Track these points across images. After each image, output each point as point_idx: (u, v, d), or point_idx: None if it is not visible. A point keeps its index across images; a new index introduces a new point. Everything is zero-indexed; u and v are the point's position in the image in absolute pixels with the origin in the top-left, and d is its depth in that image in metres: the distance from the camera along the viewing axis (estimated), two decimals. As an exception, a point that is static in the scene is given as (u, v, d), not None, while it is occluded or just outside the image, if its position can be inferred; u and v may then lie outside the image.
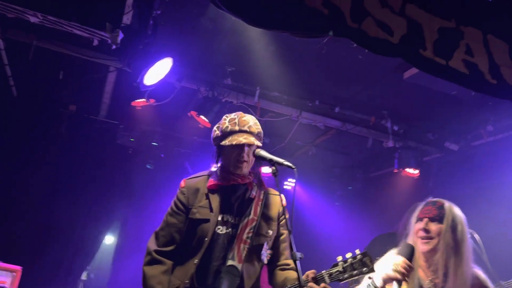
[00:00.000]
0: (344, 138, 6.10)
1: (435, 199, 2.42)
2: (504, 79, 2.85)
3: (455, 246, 2.25)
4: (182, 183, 2.59)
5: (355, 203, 7.26)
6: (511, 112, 4.72)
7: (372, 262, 2.13)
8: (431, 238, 2.26)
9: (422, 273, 2.28)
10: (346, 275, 2.17)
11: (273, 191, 2.69)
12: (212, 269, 2.38)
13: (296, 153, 6.91)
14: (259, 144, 2.51)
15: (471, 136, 5.41)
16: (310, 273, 2.27)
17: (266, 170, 7.09)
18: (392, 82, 4.65)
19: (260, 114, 5.23)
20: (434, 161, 5.97)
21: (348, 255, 2.21)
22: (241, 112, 2.61)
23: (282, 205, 2.62)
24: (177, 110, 5.67)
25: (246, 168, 2.53)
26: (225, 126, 2.51)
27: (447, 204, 2.37)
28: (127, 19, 3.40)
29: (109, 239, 7.01)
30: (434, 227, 2.27)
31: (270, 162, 2.41)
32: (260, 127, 2.57)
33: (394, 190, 6.13)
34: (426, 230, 2.27)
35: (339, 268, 2.18)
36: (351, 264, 2.16)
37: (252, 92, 5.02)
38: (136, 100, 4.90)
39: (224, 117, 2.61)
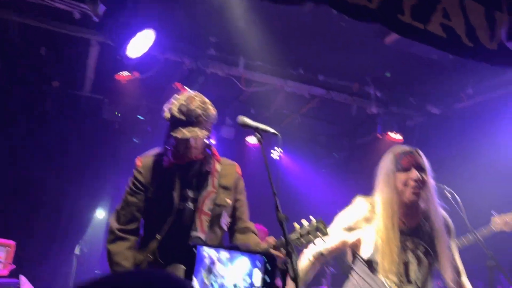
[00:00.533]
0: (329, 106, 6.18)
1: (408, 148, 2.49)
2: (480, 42, 2.92)
3: (432, 191, 2.40)
4: (138, 162, 2.61)
5: (341, 170, 7.41)
6: (490, 75, 4.83)
7: (326, 227, 2.28)
8: (421, 187, 2.35)
9: (401, 222, 2.39)
10: (303, 240, 2.30)
11: (228, 161, 2.77)
12: (174, 243, 2.46)
13: (282, 122, 6.98)
14: (207, 134, 2.51)
15: (452, 100, 5.51)
16: (271, 240, 2.39)
17: (252, 140, 7.18)
18: (374, 48, 4.70)
19: (245, 84, 5.27)
20: (416, 125, 6.10)
21: (305, 222, 2.35)
22: (192, 96, 2.56)
23: (238, 173, 2.73)
24: (162, 83, 5.66)
25: (195, 154, 2.56)
26: (173, 113, 2.48)
27: (420, 151, 2.48)
28: (107, -10, 3.38)
29: (100, 214, 7.09)
30: (422, 175, 2.36)
31: (255, 130, 2.47)
32: (211, 109, 2.55)
33: (378, 155, 6.23)
34: (418, 180, 2.34)
35: (297, 234, 2.31)
36: (308, 231, 2.30)
37: (236, 62, 5.04)
38: (120, 74, 4.89)
39: (176, 97, 2.58)
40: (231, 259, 0.88)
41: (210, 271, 0.92)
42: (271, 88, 5.49)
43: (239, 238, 2.65)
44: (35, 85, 5.83)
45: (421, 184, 2.34)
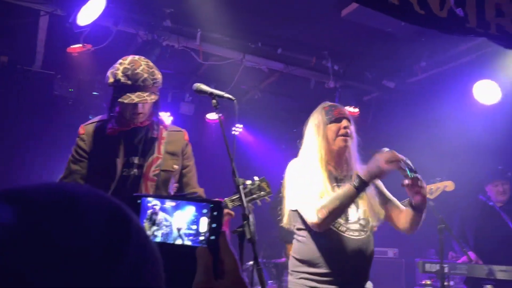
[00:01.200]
0: (288, 81, 6.20)
1: (332, 103, 2.68)
2: (431, 9, 2.98)
3: (355, 143, 2.58)
4: (81, 130, 2.58)
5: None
6: (441, 48, 4.97)
7: (269, 186, 2.34)
8: (349, 136, 2.50)
9: (332, 168, 2.53)
10: (246, 200, 2.34)
11: (175, 128, 2.77)
12: None
13: (242, 98, 6.95)
14: (155, 98, 2.48)
15: (406, 73, 5.66)
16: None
17: (211, 116, 7.14)
18: (331, 21, 4.72)
19: (203, 58, 5.19)
20: (372, 99, 6.23)
21: (248, 182, 2.39)
22: (135, 59, 2.53)
23: (185, 140, 2.73)
24: (117, 56, 5.41)
25: (143, 118, 2.53)
26: (118, 76, 2.44)
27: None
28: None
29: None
30: (351, 125, 2.52)
31: (210, 96, 2.47)
32: (157, 73, 2.53)
33: (336, 129, 6.39)
34: (348, 128, 2.49)
35: (239, 195, 2.34)
36: (250, 190, 2.35)
37: (193, 34, 4.94)
38: (72, 46, 4.70)
39: (119, 62, 2.54)
40: (176, 208, 0.87)
41: (153, 221, 0.90)
42: (230, 62, 5.44)
43: None
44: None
45: (350, 133, 2.49)
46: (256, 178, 2.40)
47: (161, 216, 0.88)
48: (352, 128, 2.53)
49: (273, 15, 4.77)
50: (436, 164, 4.74)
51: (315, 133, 2.55)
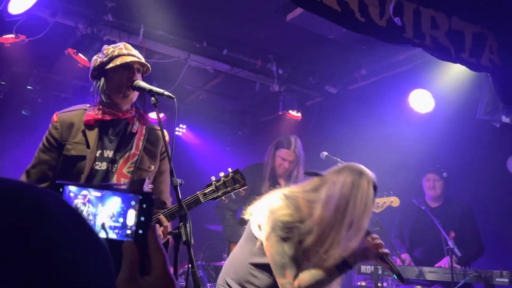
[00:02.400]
0: (234, 82, 6.19)
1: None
2: (371, 18, 3.08)
3: None
4: (55, 117, 2.44)
5: (245, 147, 7.51)
6: (380, 56, 5.16)
7: (244, 178, 2.29)
8: None
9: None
10: (219, 193, 2.30)
11: (156, 126, 2.65)
12: None
13: (187, 98, 6.86)
14: (149, 68, 2.50)
15: (348, 80, 5.83)
16: (162, 218, 2.34)
17: (153, 115, 7.02)
18: (276, 24, 4.76)
19: (146, 55, 5.04)
20: (315, 104, 6.36)
21: (221, 174, 2.34)
22: (123, 42, 2.54)
23: (165, 140, 2.65)
24: (54, 50, 5.24)
25: (134, 96, 2.47)
26: (110, 51, 2.42)
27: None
28: None
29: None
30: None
31: (150, 93, 2.39)
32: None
33: (279, 132, 6.44)
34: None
35: (212, 187, 2.30)
36: (224, 182, 2.30)
37: (136, 30, 4.79)
38: (3, 36, 4.41)
39: (105, 46, 2.52)
40: (101, 199, 0.81)
41: None
42: (175, 61, 5.34)
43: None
44: None
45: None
46: (230, 169, 2.33)
47: (85, 208, 0.82)
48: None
49: (220, 16, 4.75)
50: (374, 167, 4.90)
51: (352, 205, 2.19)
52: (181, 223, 2.14)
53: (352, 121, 5.81)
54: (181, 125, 7.40)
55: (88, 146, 2.37)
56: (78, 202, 0.80)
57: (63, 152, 2.36)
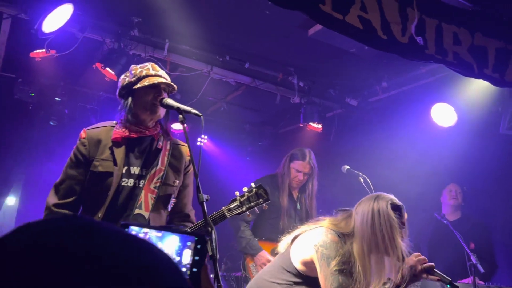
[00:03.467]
0: (254, 94, 6.26)
1: (400, 203, 2.50)
2: (394, 35, 3.12)
3: None
4: (83, 134, 2.52)
5: (265, 158, 7.56)
6: (402, 70, 5.18)
7: (267, 193, 2.35)
8: None
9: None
10: (244, 208, 2.36)
11: (180, 142, 2.74)
12: (117, 222, 2.39)
13: (208, 109, 6.96)
14: (175, 88, 2.57)
15: (368, 92, 5.84)
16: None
17: (176, 126, 7.13)
18: (298, 39, 4.83)
19: (170, 68, 5.17)
20: (335, 116, 6.39)
21: (245, 189, 2.40)
22: (150, 62, 2.63)
23: (189, 156, 2.69)
24: (81, 63, 5.40)
25: (161, 113, 2.55)
26: (138, 71, 2.51)
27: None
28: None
29: (11, 200, 6.63)
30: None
31: (178, 110, 2.46)
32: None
33: (299, 144, 6.47)
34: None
35: (237, 202, 2.36)
36: (248, 197, 2.35)
37: (161, 45, 4.92)
38: (35, 51, 4.59)
39: (133, 66, 2.60)
40: (161, 238, 0.88)
41: None
42: (197, 74, 5.45)
43: (176, 224, 2.62)
44: None
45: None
46: (252, 184, 2.40)
47: None
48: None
49: (243, 31, 4.83)
50: (394, 181, 4.90)
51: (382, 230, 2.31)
52: (207, 238, 2.20)
53: (372, 133, 5.81)
54: (202, 136, 7.49)
55: (115, 163, 2.44)
56: None
57: (91, 169, 2.44)
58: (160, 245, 0.89)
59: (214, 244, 2.18)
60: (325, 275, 2.28)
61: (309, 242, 2.40)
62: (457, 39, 3.50)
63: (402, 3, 3.21)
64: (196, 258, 0.87)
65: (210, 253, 2.14)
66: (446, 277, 2.25)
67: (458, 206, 4.64)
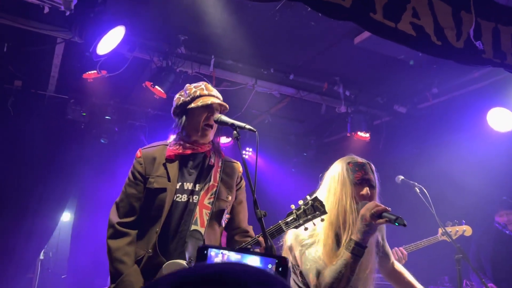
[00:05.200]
0: (299, 105, 6.23)
1: (360, 160, 2.42)
2: (448, 41, 3.01)
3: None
4: (139, 153, 2.61)
5: (311, 168, 7.48)
6: (453, 75, 5.00)
7: (323, 205, 2.30)
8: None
9: (341, 230, 2.31)
10: (301, 221, 2.31)
11: (230, 159, 2.79)
12: (173, 237, 2.43)
13: (253, 122, 6.98)
14: (227, 107, 2.62)
15: (418, 99, 5.67)
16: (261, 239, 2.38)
17: (223, 140, 7.20)
18: (343, 48, 4.77)
19: (215, 83, 5.23)
20: (384, 124, 6.23)
21: (300, 202, 2.36)
22: (204, 82, 2.69)
23: (240, 172, 2.74)
24: (130, 82, 5.56)
25: (212, 134, 2.60)
26: (192, 91, 2.58)
27: (372, 165, 2.43)
28: (75, -15, 3.28)
29: (66, 216, 6.88)
30: (372, 193, 2.31)
31: (232, 127, 2.48)
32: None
33: (346, 153, 6.34)
34: (367, 197, 2.29)
35: (293, 215, 2.32)
36: (304, 210, 2.31)
37: (207, 61, 5.00)
38: (87, 72, 4.76)
39: (187, 85, 2.67)
40: (241, 260, 0.87)
41: None
42: (242, 87, 5.49)
43: (239, 241, 2.61)
44: (-4, 84, 5.60)
45: (368, 200, 2.29)
46: (308, 197, 2.37)
47: None
48: (374, 195, 2.32)
49: (287, 42, 4.83)
50: (447, 190, 4.72)
51: (342, 191, 2.35)
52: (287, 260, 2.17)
53: (423, 141, 5.63)
54: (247, 148, 7.52)
55: (169, 179, 2.49)
56: (217, 260, 0.86)
57: (147, 186, 2.50)
58: None
59: None
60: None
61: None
62: (516, 40, 3.34)
63: (456, 7, 3.10)
64: None
65: (271, 270, 2.11)
66: (392, 215, 2.05)
67: None
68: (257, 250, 2.37)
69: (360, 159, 2.44)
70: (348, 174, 2.35)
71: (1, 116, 5.64)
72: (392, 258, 2.62)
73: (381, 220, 2.11)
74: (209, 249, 0.88)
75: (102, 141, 6.29)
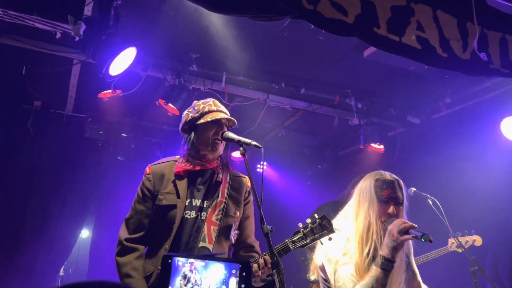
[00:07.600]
0: (311, 118, 6.26)
1: (389, 177, 2.41)
2: (454, 52, 3.01)
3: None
4: (147, 170, 2.64)
5: (325, 181, 7.47)
6: (466, 84, 4.96)
7: (331, 224, 2.30)
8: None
9: (370, 246, 2.33)
10: (308, 240, 2.32)
11: (238, 173, 2.81)
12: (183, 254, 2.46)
13: (266, 136, 7.03)
14: (235, 122, 2.66)
15: (431, 109, 5.64)
16: (267, 258, 2.39)
17: (236, 154, 7.23)
18: (353, 61, 4.79)
19: (228, 99, 5.31)
20: (397, 135, 6.20)
21: (308, 220, 2.36)
22: (211, 98, 2.74)
23: (248, 187, 2.75)
24: (145, 100, 5.68)
25: (222, 148, 2.64)
26: (201, 107, 2.63)
27: (401, 182, 2.43)
28: (87, 10, 3.40)
29: (85, 233, 6.99)
30: (398, 211, 2.32)
31: (238, 143, 2.51)
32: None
33: (361, 166, 6.35)
34: (393, 215, 2.31)
35: (301, 234, 2.33)
36: (311, 228, 2.31)
37: (219, 77, 5.09)
38: (102, 92, 4.90)
39: (195, 102, 2.72)
40: (205, 267, 0.90)
41: (187, 280, 0.94)
42: (255, 102, 5.55)
43: (244, 256, 2.64)
44: (16, 105, 5.78)
45: (395, 217, 2.31)
46: (316, 215, 2.38)
47: (192, 274, 0.92)
48: (400, 212, 2.33)
49: (297, 57, 4.88)
50: (462, 201, 4.66)
51: (370, 208, 2.37)
52: (274, 270, 2.19)
53: (438, 152, 5.58)
54: (262, 162, 7.55)
55: (178, 196, 2.52)
56: (185, 269, 0.90)
57: (156, 202, 2.54)
58: (205, 274, 0.91)
59: (281, 276, 2.16)
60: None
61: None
62: (524, 49, 3.32)
63: (461, 18, 3.10)
64: (243, 285, 0.88)
65: (278, 286, 2.12)
66: (419, 232, 2.09)
67: None
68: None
69: (388, 176, 2.43)
70: (375, 191, 2.36)
71: (22, 136, 5.81)
72: (419, 278, 2.60)
73: (407, 236, 2.16)
74: (174, 258, 0.92)
75: (119, 158, 6.41)
